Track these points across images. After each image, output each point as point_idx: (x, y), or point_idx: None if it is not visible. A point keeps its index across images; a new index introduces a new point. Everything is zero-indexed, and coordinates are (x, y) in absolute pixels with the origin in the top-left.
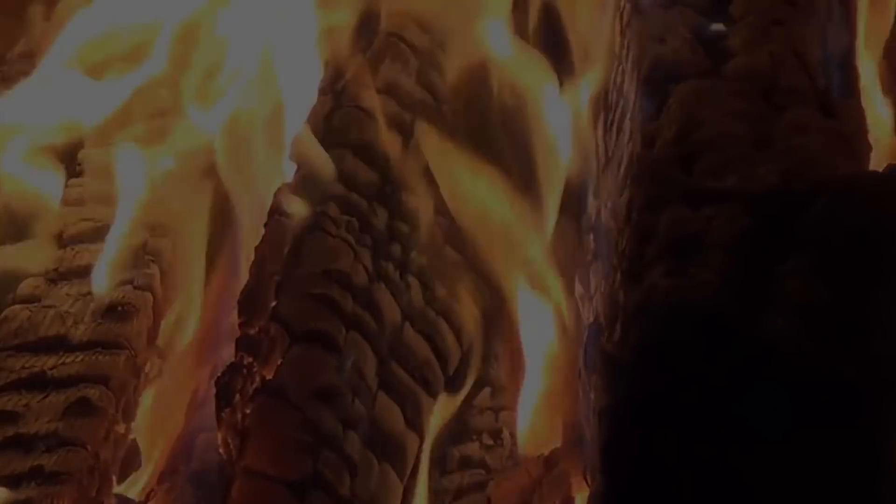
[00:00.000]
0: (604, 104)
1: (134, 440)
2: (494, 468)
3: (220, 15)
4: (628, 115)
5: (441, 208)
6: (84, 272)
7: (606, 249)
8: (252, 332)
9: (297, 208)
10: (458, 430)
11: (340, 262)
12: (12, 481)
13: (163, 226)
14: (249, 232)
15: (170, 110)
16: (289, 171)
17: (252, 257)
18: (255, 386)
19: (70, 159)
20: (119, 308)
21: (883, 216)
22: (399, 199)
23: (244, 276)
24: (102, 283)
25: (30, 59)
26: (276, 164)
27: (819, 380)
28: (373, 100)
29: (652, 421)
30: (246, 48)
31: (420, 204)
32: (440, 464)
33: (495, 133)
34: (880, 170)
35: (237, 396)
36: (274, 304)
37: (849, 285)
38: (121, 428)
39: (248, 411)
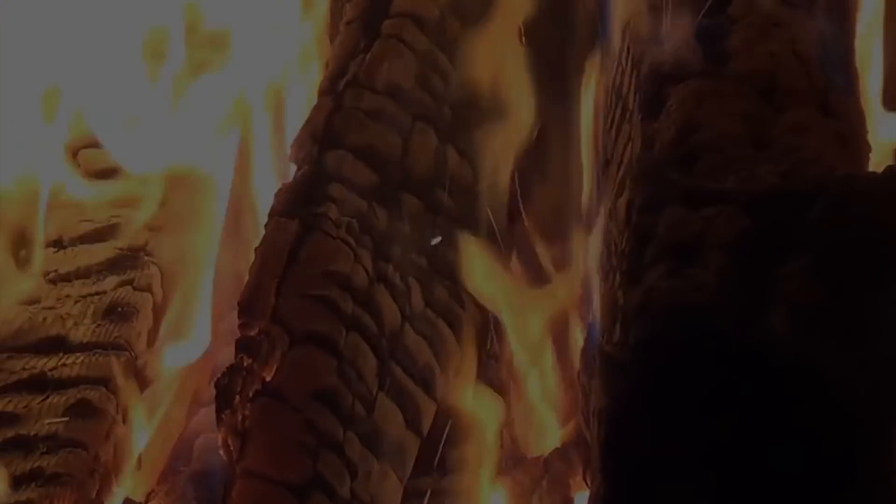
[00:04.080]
0: (603, 106)
1: (134, 441)
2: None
3: (221, 15)
4: (628, 117)
5: (441, 209)
6: (84, 273)
7: (606, 250)
8: (252, 333)
9: (297, 210)
10: (458, 430)
11: (340, 263)
12: (13, 482)
13: (163, 226)
14: (250, 233)
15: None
16: (289, 172)
17: (252, 258)
18: (255, 387)
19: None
20: (119, 309)
21: (882, 216)
22: (399, 201)
23: (244, 278)
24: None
25: None
26: (276, 165)
27: (817, 380)
28: (373, 101)
29: (651, 421)
30: (246, 49)
31: (420, 205)
32: (440, 464)
33: None
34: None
35: (237, 398)
36: (274, 305)
37: (847, 286)
38: (121, 429)
39: (248, 413)
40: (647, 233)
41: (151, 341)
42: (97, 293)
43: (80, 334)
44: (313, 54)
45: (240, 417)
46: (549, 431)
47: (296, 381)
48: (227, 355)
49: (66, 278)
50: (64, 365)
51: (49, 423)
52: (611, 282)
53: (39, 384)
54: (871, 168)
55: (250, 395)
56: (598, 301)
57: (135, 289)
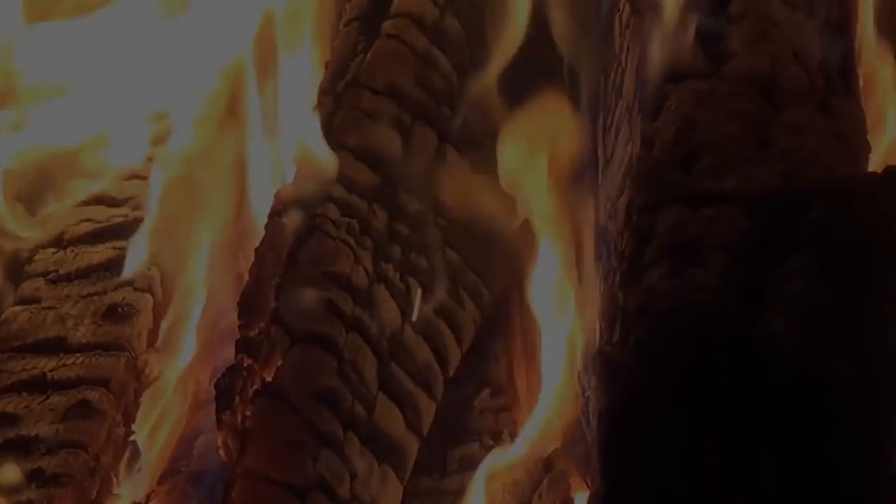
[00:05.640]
0: (602, 105)
1: (134, 441)
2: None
3: (220, 16)
4: (627, 117)
5: (441, 209)
6: (84, 273)
7: (606, 251)
8: (252, 333)
9: (297, 210)
10: (458, 430)
11: (340, 263)
12: (13, 483)
13: (164, 228)
14: (250, 233)
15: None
16: (289, 173)
17: (252, 259)
18: (255, 388)
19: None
20: (119, 310)
21: (882, 217)
22: (399, 201)
23: (244, 278)
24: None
25: None
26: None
27: (817, 381)
28: (373, 101)
29: (651, 422)
30: (246, 50)
31: (420, 206)
32: (440, 465)
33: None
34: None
35: (237, 398)
36: (274, 305)
37: (847, 287)
38: (121, 430)
39: (248, 413)
40: (647, 233)
41: (151, 341)
42: (97, 293)
43: (80, 334)
44: (313, 54)
45: (240, 417)
46: (549, 431)
47: (296, 381)
48: (227, 355)
49: (67, 278)
50: (64, 365)
51: (49, 424)
52: (611, 282)
53: (39, 385)
54: (871, 168)
55: (250, 395)
56: (598, 301)
57: (135, 289)
